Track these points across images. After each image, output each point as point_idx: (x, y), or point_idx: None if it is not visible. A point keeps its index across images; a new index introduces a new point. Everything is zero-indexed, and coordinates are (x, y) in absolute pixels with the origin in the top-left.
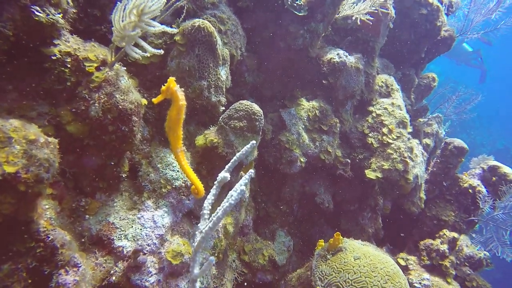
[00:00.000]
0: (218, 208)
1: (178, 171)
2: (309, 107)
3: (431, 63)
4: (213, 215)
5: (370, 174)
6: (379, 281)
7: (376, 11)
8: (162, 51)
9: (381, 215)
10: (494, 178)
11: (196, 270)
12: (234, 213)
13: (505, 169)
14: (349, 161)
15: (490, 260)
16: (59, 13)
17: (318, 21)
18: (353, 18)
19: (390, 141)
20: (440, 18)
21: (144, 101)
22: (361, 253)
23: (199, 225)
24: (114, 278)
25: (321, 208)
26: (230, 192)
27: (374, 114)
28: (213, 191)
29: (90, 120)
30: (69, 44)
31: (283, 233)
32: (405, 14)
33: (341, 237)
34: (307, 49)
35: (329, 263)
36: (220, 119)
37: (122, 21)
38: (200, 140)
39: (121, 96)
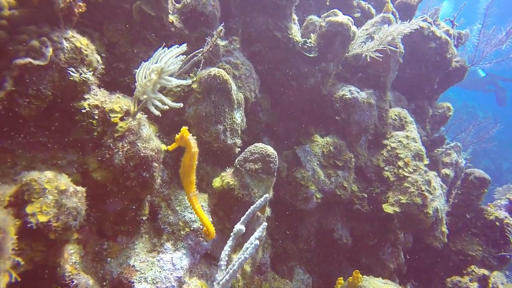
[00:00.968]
0: (234, 260)
1: None
2: (323, 143)
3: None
4: (229, 266)
5: (388, 208)
6: None
7: (385, 48)
8: (181, 104)
9: (402, 249)
10: None
11: None
12: None
13: None
14: (365, 195)
15: None
16: (90, 71)
17: (329, 61)
18: (363, 55)
19: (407, 174)
20: (449, 50)
21: (164, 147)
22: None
23: (216, 276)
24: None
25: (339, 244)
26: (245, 245)
27: (388, 148)
28: (229, 242)
29: (114, 168)
30: (97, 97)
31: (301, 270)
32: (415, 48)
33: (361, 275)
34: (319, 87)
35: None
36: (236, 161)
37: (145, 77)
38: (217, 183)
39: (142, 144)
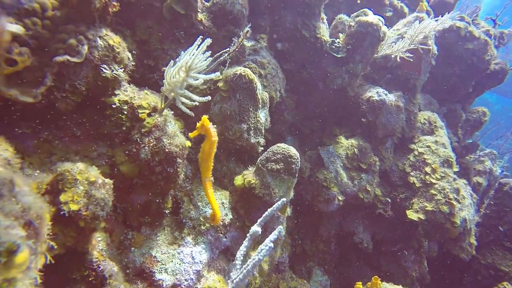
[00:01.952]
0: (249, 260)
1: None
2: (348, 145)
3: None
4: (244, 266)
5: (412, 215)
6: None
7: (416, 47)
8: (209, 98)
9: (426, 258)
10: None
11: None
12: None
13: None
14: (389, 200)
15: None
16: (121, 68)
17: (357, 62)
18: (393, 56)
19: (434, 181)
20: (488, 52)
21: (188, 143)
22: None
23: (231, 274)
24: None
25: (359, 248)
26: (260, 246)
27: (416, 152)
28: (245, 243)
29: (140, 162)
30: (126, 93)
31: (319, 271)
32: (450, 49)
33: (380, 282)
34: (345, 88)
35: None
36: (258, 161)
37: (173, 77)
38: (238, 181)
39: (168, 140)
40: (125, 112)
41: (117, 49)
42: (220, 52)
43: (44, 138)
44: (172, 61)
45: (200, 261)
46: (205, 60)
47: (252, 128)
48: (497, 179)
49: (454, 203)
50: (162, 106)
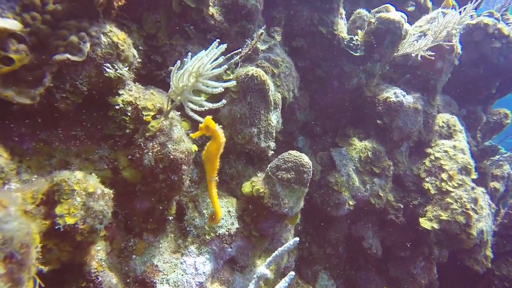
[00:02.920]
0: None
1: (222, 218)
2: (361, 147)
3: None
4: None
5: (425, 223)
6: None
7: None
8: (224, 102)
9: (436, 264)
10: None
11: None
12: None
13: None
14: (401, 206)
15: None
16: (126, 67)
17: (375, 61)
18: (413, 55)
19: (450, 189)
20: None
21: (195, 148)
22: None
23: None
24: None
25: (368, 253)
26: None
27: (432, 157)
28: (251, 286)
29: (143, 168)
30: (131, 93)
31: (326, 275)
32: (474, 48)
33: None
34: (362, 88)
35: None
36: (268, 168)
37: (181, 80)
38: (246, 188)
39: (173, 146)
40: (129, 114)
41: (121, 46)
42: (231, 53)
43: (44, 139)
44: (178, 62)
45: (204, 273)
46: (219, 67)
47: (263, 132)
48: None
49: (471, 213)
50: (168, 108)
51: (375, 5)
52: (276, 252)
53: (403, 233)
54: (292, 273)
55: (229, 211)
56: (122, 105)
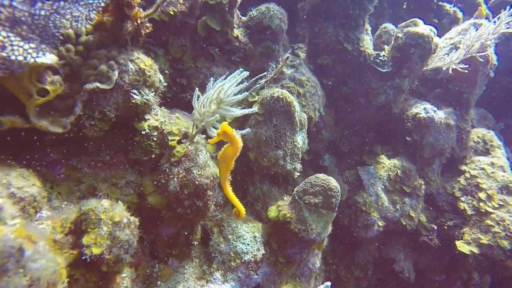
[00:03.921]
0: None
1: (248, 244)
2: (390, 165)
3: None
4: None
5: (463, 247)
6: None
7: (472, 57)
8: (248, 130)
9: None
10: None
11: None
12: (303, 284)
13: None
14: (435, 227)
15: None
16: (152, 92)
17: (404, 76)
18: (444, 68)
19: (490, 209)
20: None
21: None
22: None
23: None
24: None
25: (400, 277)
26: None
27: (467, 175)
28: None
29: (168, 194)
30: (157, 117)
31: None
32: None
33: None
34: (389, 105)
35: None
36: (294, 192)
37: (203, 106)
38: (272, 212)
39: (198, 171)
40: (155, 139)
41: (148, 72)
42: (256, 77)
43: (73, 165)
44: (197, 89)
45: None
46: (240, 94)
47: (289, 154)
48: None
49: None
50: (193, 132)
51: (401, 17)
52: None
53: (437, 256)
54: (329, 283)
55: (254, 237)
56: (148, 130)
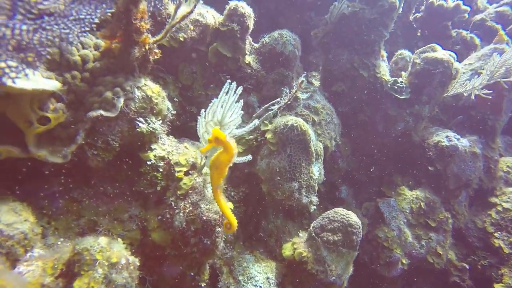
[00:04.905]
0: None
1: (260, 286)
2: (412, 197)
3: None
4: None
5: None
6: None
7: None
8: (250, 157)
9: None
10: None
11: None
12: None
13: None
14: (467, 266)
15: None
16: (159, 120)
17: (423, 103)
18: (465, 94)
19: None
20: None
21: (230, 205)
22: None
23: None
24: None
25: None
26: None
27: (499, 208)
28: None
29: (173, 230)
30: (164, 147)
31: None
32: None
33: None
34: (409, 132)
35: None
36: (311, 227)
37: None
38: (287, 251)
39: (206, 205)
40: (161, 170)
41: (155, 99)
42: (269, 104)
43: (74, 197)
44: (202, 112)
45: None
46: (239, 113)
47: (304, 186)
48: None
49: None
50: (202, 163)
51: (416, 44)
52: None
53: None
54: None
55: (267, 278)
56: (154, 161)
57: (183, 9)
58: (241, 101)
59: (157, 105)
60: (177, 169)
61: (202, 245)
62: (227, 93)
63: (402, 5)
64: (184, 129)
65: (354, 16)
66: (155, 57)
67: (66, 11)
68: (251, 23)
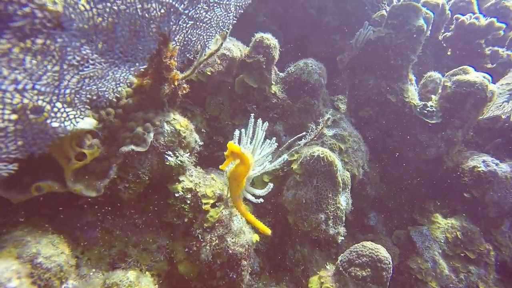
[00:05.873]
0: None
1: None
2: (447, 226)
3: None
4: None
5: None
6: None
7: None
8: (271, 186)
9: None
10: None
11: None
12: None
13: None
14: None
15: None
16: (187, 152)
17: (456, 127)
18: (504, 116)
19: None
20: None
21: (256, 238)
22: None
23: None
24: None
25: None
26: None
27: None
28: None
29: (200, 263)
30: (191, 178)
31: None
32: None
33: None
34: (441, 158)
35: None
36: (338, 261)
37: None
38: (314, 284)
39: (232, 239)
40: (188, 202)
41: (183, 133)
42: (295, 138)
43: (106, 228)
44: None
45: None
46: (268, 155)
47: (331, 217)
48: None
49: None
50: (228, 196)
51: (446, 64)
52: None
53: None
54: None
55: None
56: (182, 193)
57: (211, 47)
58: (274, 139)
59: (185, 139)
60: (204, 201)
61: (228, 278)
62: (253, 130)
63: (430, 28)
64: (211, 158)
65: (380, 41)
66: (184, 91)
67: (104, 73)
68: (276, 54)
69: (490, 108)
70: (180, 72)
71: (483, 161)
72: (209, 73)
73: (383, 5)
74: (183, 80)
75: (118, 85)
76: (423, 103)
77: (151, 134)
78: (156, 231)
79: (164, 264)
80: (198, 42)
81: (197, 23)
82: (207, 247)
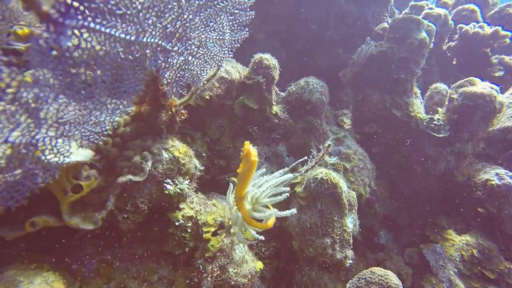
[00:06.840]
0: None
1: None
2: (462, 243)
3: None
4: None
5: None
6: None
7: None
8: (295, 211)
9: None
10: None
11: None
12: None
13: None
14: None
15: None
16: (187, 179)
17: (465, 140)
18: None
19: None
20: None
21: (260, 265)
22: None
23: None
24: None
25: None
26: None
27: None
28: None
29: None
30: (192, 205)
31: None
32: None
33: None
34: (451, 172)
35: None
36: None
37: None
38: None
39: (234, 269)
40: (189, 230)
41: (182, 160)
42: (297, 162)
43: (105, 259)
44: (231, 186)
45: None
46: (280, 195)
47: (338, 241)
48: None
49: None
50: (229, 222)
51: (452, 74)
52: None
53: None
54: None
55: None
56: (183, 221)
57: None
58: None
59: (184, 165)
60: (205, 229)
61: None
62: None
63: (433, 40)
64: (213, 182)
65: (383, 55)
66: (182, 117)
67: (85, 119)
68: (276, 74)
69: (501, 119)
70: (177, 98)
71: (496, 174)
72: (207, 97)
73: (384, 17)
74: (181, 106)
75: (103, 130)
76: (430, 116)
77: (149, 163)
78: (156, 261)
79: None
80: (191, 77)
81: (189, 59)
82: (208, 278)
